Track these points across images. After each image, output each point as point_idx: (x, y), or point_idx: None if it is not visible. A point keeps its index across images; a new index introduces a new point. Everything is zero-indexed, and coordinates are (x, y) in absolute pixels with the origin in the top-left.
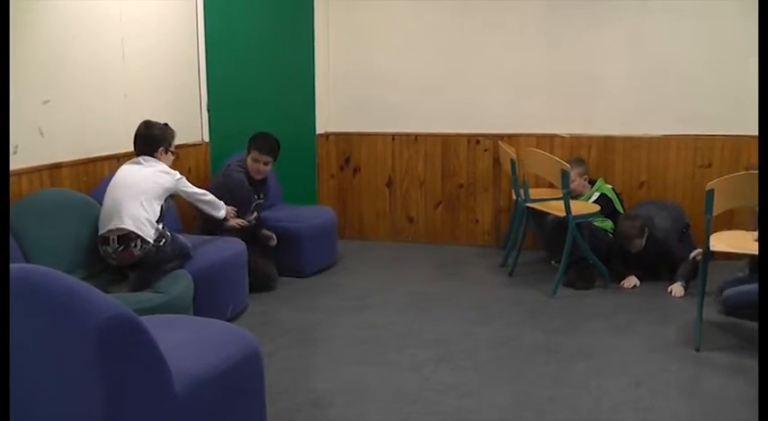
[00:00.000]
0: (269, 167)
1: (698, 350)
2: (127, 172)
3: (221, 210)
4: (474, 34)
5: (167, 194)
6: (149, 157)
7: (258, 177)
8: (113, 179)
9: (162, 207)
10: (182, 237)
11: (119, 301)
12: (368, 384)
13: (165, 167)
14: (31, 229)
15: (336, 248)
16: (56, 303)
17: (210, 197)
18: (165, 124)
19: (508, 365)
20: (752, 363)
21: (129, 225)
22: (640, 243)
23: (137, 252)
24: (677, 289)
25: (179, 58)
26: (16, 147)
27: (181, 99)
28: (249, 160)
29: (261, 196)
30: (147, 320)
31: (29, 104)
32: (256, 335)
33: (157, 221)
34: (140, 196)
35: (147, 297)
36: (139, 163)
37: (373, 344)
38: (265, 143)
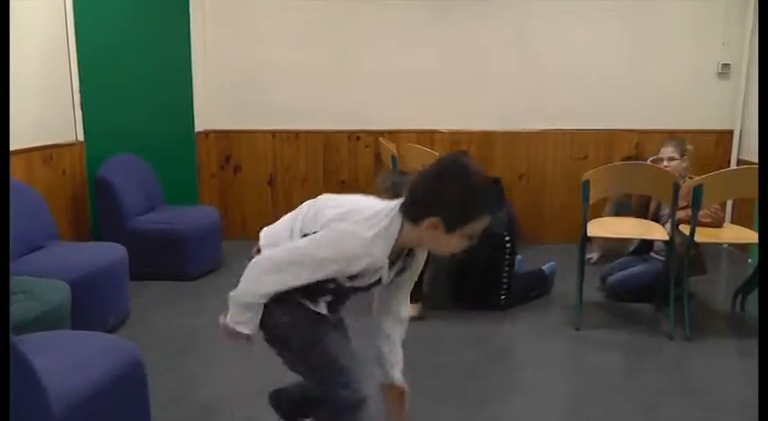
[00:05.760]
0: None
1: (578, 329)
2: None
3: None
4: (356, 31)
5: None
6: None
7: None
8: None
9: None
10: None
11: None
12: (257, 386)
13: None
14: None
15: (221, 249)
16: None
17: None
18: None
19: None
20: (626, 338)
21: None
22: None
23: None
24: None
25: (47, 52)
26: None
27: (51, 96)
28: None
29: None
30: (21, 340)
31: None
32: (140, 345)
33: None
34: None
35: (22, 308)
36: None
37: (260, 345)
38: None
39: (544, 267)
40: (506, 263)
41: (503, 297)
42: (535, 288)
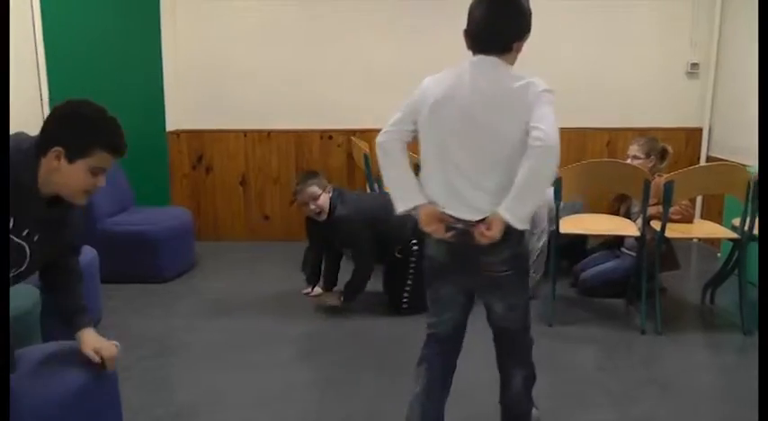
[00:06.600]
0: None
1: (551, 325)
2: None
3: None
4: (326, 29)
5: None
6: None
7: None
8: None
9: None
10: None
11: None
12: (230, 389)
13: None
14: None
15: (194, 251)
16: None
17: None
18: None
19: (370, 357)
20: (599, 333)
21: None
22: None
23: None
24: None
25: (16, 50)
26: None
27: (20, 95)
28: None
29: None
30: None
31: None
32: None
33: None
34: None
35: None
36: None
37: (234, 347)
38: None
39: None
40: (411, 268)
41: (404, 301)
42: None
